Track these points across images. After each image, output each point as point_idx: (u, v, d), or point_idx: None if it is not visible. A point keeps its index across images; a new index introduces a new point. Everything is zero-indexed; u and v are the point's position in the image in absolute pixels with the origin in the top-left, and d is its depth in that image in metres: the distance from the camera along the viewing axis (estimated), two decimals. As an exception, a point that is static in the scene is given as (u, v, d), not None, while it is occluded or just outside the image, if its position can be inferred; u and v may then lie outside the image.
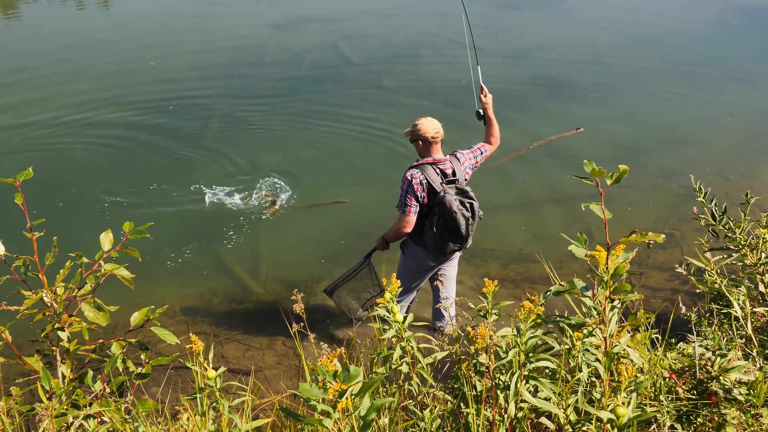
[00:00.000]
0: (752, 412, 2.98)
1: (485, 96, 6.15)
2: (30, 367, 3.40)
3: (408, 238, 5.89)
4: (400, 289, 4.40)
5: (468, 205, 5.53)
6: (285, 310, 6.45)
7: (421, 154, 5.72)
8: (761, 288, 4.14)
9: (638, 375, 3.12)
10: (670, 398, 3.11)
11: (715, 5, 19.28)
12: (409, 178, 5.55)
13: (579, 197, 8.29)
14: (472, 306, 3.25)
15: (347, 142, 10.80)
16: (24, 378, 3.69)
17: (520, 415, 2.96)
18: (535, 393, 3.02)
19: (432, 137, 5.60)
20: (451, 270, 6.15)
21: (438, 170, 5.58)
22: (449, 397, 3.35)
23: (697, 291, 4.50)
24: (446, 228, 5.54)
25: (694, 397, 3.08)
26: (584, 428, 2.85)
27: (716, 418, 2.99)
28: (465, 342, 3.18)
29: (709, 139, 10.77)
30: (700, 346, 3.27)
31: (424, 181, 5.52)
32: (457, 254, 6.00)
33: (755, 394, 2.97)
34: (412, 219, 5.62)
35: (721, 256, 4.24)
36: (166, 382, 5.66)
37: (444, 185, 5.54)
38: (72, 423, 3.27)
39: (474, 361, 3.08)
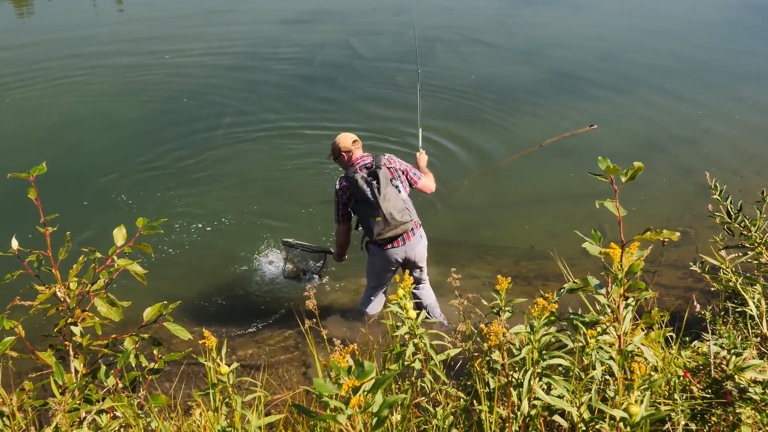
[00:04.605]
0: (767, 411, 2.95)
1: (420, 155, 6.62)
2: (43, 361, 3.40)
3: (367, 236, 6.16)
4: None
5: (372, 173, 5.86)
6: (297, 306, 6.45)
7: (345, 166, 6.15)
8: (776, 286, 4.10)
9: (652, 373, 3.10)
10: (684, 397, 3.09)
11: (728, 2, 19.16)
12: (336, 186, 6.03)
13: (592, 194, 8.25)
14: (485, 303, 3.23)
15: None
16: (37, 373, 3.70)
17: (533, 412, 2.94)
18: (548, 391, 3.01)
19: (353, 143, 6.09)
20: (419, 282, 6.43)
21: (358, 168, 5.98)
22: (462, 395, 3.34)
23: (712, 289, 4.47)
24: (360, 203, 5.88)
25: (708, 395, 3.06)
26: (598, 426, 2.83)
27: (731, 418, 2.97)
28: (478, 339, 3.17)
29: (723, 137, 10.70)
30: (715, 344, 3.25)
31: (345, 183, 5.95)
32: (412, 257, 6.13)
33: (771, 394, 2.95)
34: (342, 228, 6.19)
35: (736, 254, 4.21)
36: (179, 378, 5.67)
37: (358, 171, 5.93)
38: (85, 418, 3.28)
39: (487, 358, 3.07)
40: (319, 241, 7.77)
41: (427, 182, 6.27)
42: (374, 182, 5.77)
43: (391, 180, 5.87)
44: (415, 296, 6.40)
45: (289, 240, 6.85)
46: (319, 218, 8.55)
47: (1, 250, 3.51)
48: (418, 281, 6.39)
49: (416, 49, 7.64)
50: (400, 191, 5.93)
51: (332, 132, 10.88)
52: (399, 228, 5.84)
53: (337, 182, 5.99)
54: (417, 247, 6.09)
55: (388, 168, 5.91)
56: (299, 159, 10.17)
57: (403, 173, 6.04)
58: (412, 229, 5.98)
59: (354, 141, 6.09)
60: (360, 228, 6.10)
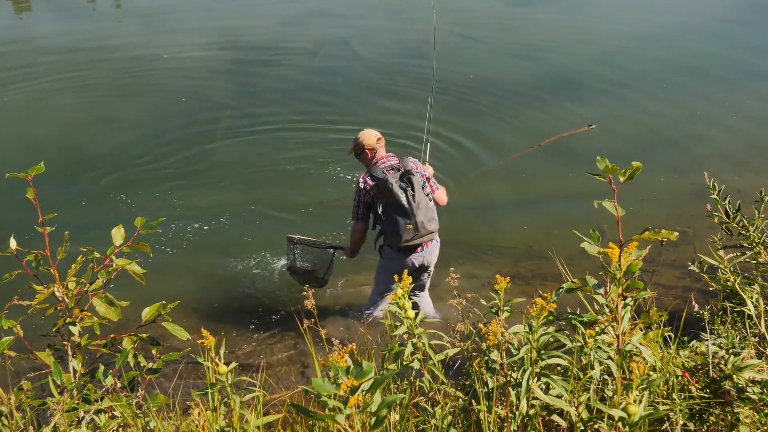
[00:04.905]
0: (765, 411, 2.95)
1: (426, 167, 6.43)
2: (41, 361, 3.40)
3: (383, 241, 6.06)
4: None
5: (406, 179, 5.70)
6: (296, 306, 6.45)
7: (368, 164, 6.00)
8: (775, 286, 4.10)
9: (650, 373, 3.11)
10: (682, 397, 3.09)
11: (726, 2, 19.16)
12: (360, 185, 5.87)
13: (591, 194, 8.25)
14: (484, 302, 3.23)
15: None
16: (35, 372, 3.70)
17: (531, 412, 2.94)
18: (547, 390, 3.01)
19: (377, 141, 5.98)
20: (423, 289, 6.40)
21: (384, 168, 5.83)
22: (460, 394, 3.34)
23: (710, 289, 4.48)
24: (390, 207, 5.71)
25: (707, 395, 3.06)
26: (596, 426, 2.84)
27: (729, 417, 2.97)
28: (476, 339, 3.17)
29: (722, 137, 10.71)
30: (714, 344, 3.25)
31: (371, 181, 5.80)
32: (426, 263, 6.10)
33: (769, 393, 2.95)
34: (361, 225, 6.02)
35: (735, 254, 4.21)
36: (177, 378, 5.67)
37: (386, 173, 5.77)
38: (83, 417, 3.28)
39: (486, 358, 3.07)
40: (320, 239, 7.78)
41: (442, 195, 6.19)
42: (408, 189, 5.67)
43: (422, 187, 5.78)
44: (414, 305, 6.38)
45: (294, 236, 6.70)
46: (319, 217, 8.55)
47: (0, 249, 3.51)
48: (421, 287, 6.37)
49: (433, 73, 7.54)
50: (430, 199, 5.87)
51: (333, 129, 10.94)
52: (426, 236, 5.82)
53: (361, 180, 5.87)
54: (434, 252, 6.09)
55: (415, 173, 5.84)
56: (299, 157, 10.14)
57: (427, 180, 5.96)
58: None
59: (378, 139, 5.99)
60: (376, 227, 6.02)
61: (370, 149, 5.96)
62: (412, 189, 5.67)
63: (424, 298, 6.46)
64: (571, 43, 15.34)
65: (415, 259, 5.98)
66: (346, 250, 6.39)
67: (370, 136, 5.97)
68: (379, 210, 5.77)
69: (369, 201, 5.87)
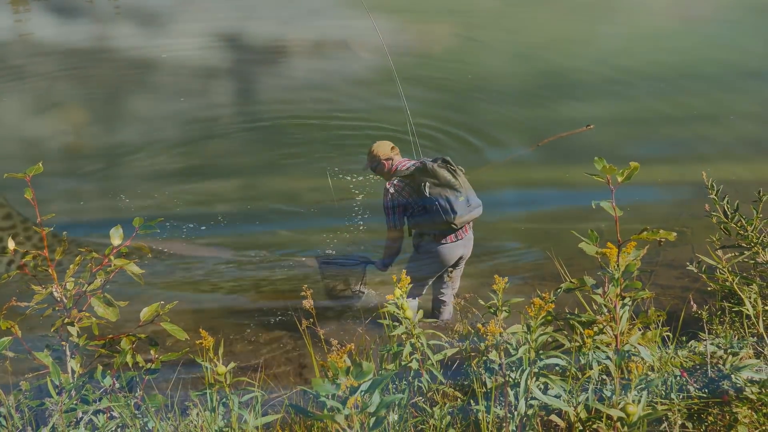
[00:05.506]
0: (764, 411, 2.96)
1: None
2: (40, 362, 3.40)
3: (426, 235, 5.91)
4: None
5: (442, 160, 5.69)
6: (294, 306, 6.44)
7: (388, 174, 5.96)
8: (773, 286, 4.11)
9: (649, 373, 3.11)
10: (681, 396, 3.09)
11: (725, 2, 19.15)
12: (390, 190, 5.82)
13: (589, 194, 8.24)
14: (482, 302, 3.23)
15: (351, 140, 10.75)
16: (34, 373, 3.69)
17: (530, 412, 2.95)
18: (545, 390, 3.01)
19: (392, 149, 5.95)
20: (457, 271, 6.23)
21: (405, 168, 5.83)
22: (459, 394, 3.34)
23: (708, 289, 4.48)
24: (438, 186, 5.62)
25: (705, 395, 3.07)
26: (595, 426, 2.84)
27: (727, 417, 2.98)
28: (475, 339, 3.18)
29: (720, 136, 10.68)
30: (712, 344, 3.25)
31: (399, 183, 5.80)
32: (465, 254, 6.04)
33: (767, 393, 2.95)
34: (398, 232, 5.91)
35: (733, 254, 4.22)
36: (175, 378, 5.66)
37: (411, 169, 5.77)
38: (81, 418, 3.27)
39: (484, 358, 3.07)
40: (318, 241, 7.76)
41: None
42: (449, 165, 5.64)
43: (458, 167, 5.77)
44: (439, 302, 6.34)
45: (324, 257, 6.54)
46: (320, 215, 8.52)
47: (-2, 250, 3.51)
48: (453, 281, 6.29)
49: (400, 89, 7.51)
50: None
51: (333, 127, 10.91)
52: (474, 212, 5.77)
53: (387, 186, 5.83)
54: (471, 241, 6.08)
55: None
56: (299, 157, 10.10)
57: None
58: (470, 222, 5.91)
59: (392, 148, 5.97)
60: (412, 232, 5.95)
61: (387, 159, 5.92)
62: (452, 166, 5.66)
63: (448, 305, 6.36)
64: (568, 43, 15.31)
65: (457, 248, 5.90)
66: (377, 263, 6.25)
67: (384, 147, 5.96)
68: (426, 193, 5.62)
69: (404, 202, 5.80)
